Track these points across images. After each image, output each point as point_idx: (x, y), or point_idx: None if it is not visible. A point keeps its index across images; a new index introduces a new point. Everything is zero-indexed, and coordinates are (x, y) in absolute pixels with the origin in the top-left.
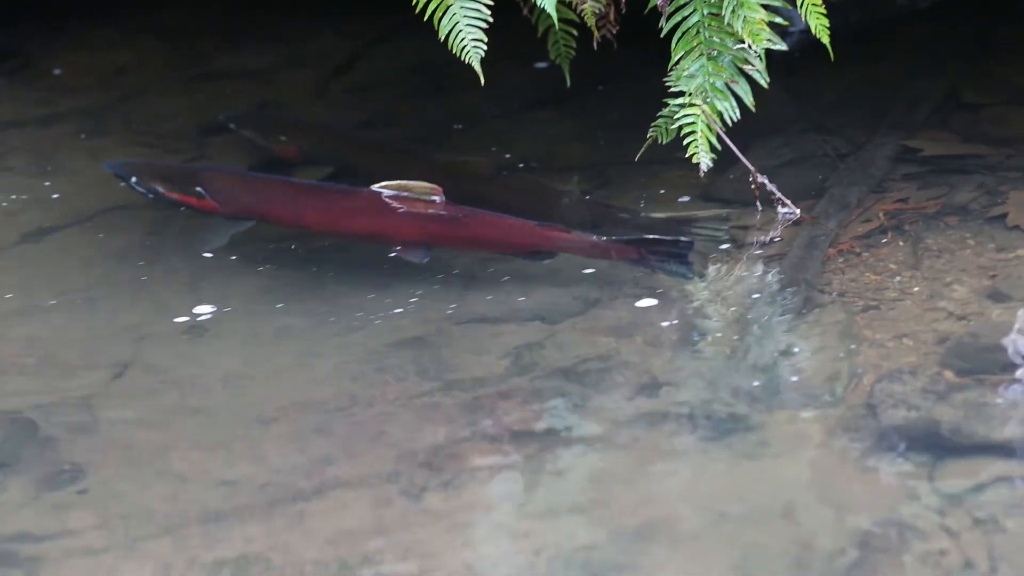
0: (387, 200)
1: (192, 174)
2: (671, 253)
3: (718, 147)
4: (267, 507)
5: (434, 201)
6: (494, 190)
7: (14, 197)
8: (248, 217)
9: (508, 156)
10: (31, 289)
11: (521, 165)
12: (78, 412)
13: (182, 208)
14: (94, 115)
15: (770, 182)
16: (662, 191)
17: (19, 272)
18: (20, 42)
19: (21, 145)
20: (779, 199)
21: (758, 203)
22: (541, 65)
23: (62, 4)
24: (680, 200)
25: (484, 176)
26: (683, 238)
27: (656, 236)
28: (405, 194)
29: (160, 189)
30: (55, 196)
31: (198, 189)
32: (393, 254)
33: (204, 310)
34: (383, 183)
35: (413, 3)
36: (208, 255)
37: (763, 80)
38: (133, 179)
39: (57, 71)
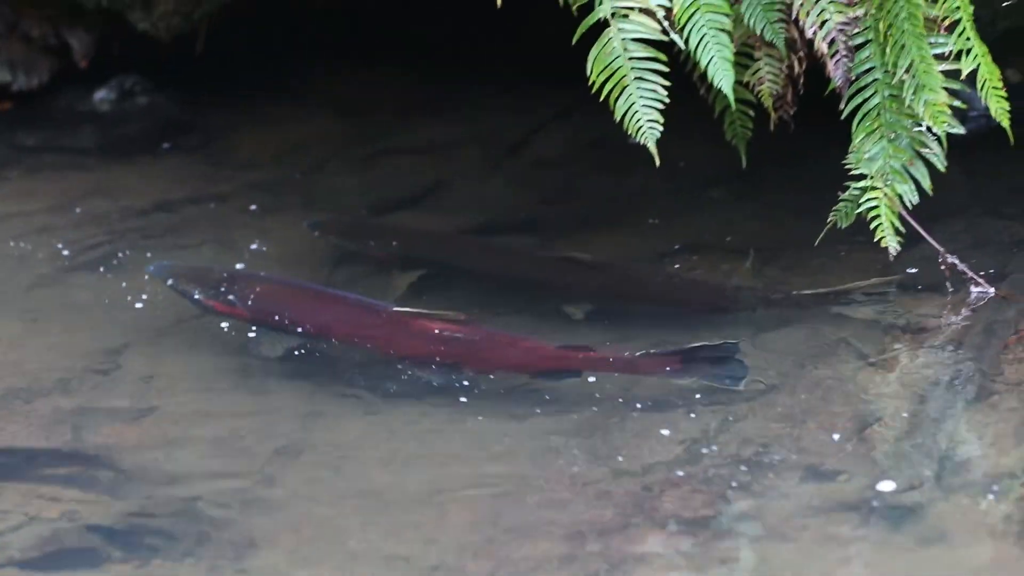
0: (407, 319)
1: (222, 279)
2: (714, 358)
3: (903, 230)
4: None
5: (456, 322)
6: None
7: None
8: (271, 325)
9: (680, 235)
10: (202, 366)
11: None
12: (250, 491)
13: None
14: (271, 191)
15: (960, 262)
16: (838, 274)
17: (189, 348)
18: (198, 118)
19: (198, 222)
20: (971, 278)
21: (948, 284)
22: None
23: (240, 80)
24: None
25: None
26: (727, 341)
27: (696, 344)
28: (427, 312)
29: (194, 294)
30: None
31: (228, 296)
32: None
33: (374, 392)
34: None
35: (589, 83)
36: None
37: (940, 163)
38: (170, 282)
39: (234, 147)
